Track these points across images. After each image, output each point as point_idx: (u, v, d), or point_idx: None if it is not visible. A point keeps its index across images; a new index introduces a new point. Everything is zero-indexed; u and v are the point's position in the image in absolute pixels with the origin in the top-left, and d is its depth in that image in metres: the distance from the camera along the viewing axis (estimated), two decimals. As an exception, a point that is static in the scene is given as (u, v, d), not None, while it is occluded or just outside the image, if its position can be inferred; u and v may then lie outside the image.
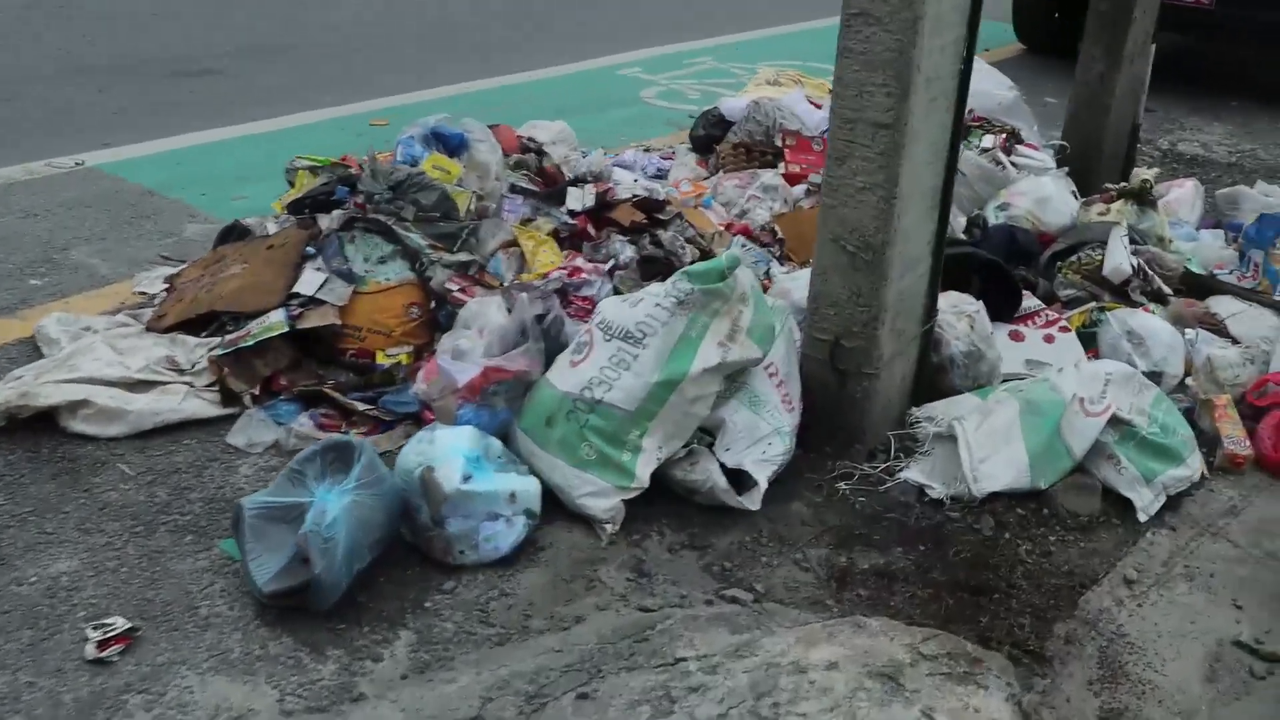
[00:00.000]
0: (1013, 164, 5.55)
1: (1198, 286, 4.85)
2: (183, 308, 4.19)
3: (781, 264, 4.85)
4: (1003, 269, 4.51)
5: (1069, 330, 4.56)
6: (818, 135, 5.66)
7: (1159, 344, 4.30)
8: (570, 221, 4.71)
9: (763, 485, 3.46)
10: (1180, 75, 8.58)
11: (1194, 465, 3.82)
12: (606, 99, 7.64)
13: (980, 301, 4.23)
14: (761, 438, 3.54)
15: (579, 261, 4.24)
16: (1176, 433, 3.84)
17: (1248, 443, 4.02)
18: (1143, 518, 3.68)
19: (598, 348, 3.45)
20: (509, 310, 3.81)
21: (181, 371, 3.91)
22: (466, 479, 3.17)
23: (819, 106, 5.94)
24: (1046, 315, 4.63)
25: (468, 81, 7.93)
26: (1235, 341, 4.56)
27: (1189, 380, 4.32)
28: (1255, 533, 3.68)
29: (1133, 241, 4.91)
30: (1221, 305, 4.73)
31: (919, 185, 3.65)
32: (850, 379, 3.74)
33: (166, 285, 4.50)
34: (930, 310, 3.97)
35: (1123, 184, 5.27)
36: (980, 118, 5.78)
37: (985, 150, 5.53)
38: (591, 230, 4.72)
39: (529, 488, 3.31)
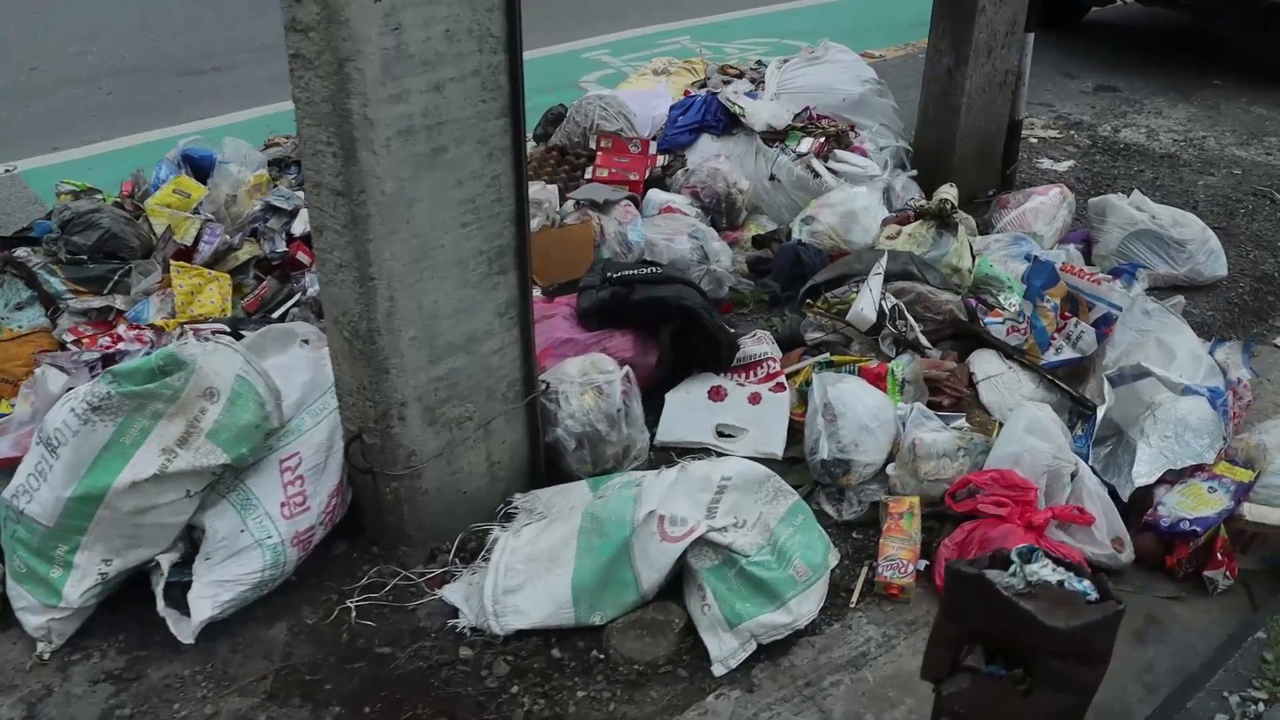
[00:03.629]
0: (831, 171, 4.08)
1: (969, 335, 3.34)
2: None
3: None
4: (696, 316, 3.19)
5: (784, 389, 3.22)
6: (637, 138, 4.36)
7: (851, 425, 2.90)
8: (280, 250, 3.69)
9: (202, 615, 2.41)
10: (1167, 52, 6.53)
11: (799, 610, 2.48)
12: (540, 85, 6.31)
13: (626, 367, 2.97)
14: (239, 551, 2.49)
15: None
16: (791, 563, 2.53)
17: (912, 567, 2.65)
18: (718, 670, 2.43)
19: (32, 449, 2.47)
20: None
21: None
22: None
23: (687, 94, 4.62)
24: (770, 367, 3.30)
25: None
26: (987, 412, 3.11)
27: (890, 470, 2.93)
28: (872, 698, 2.38)
29: (907, 277, 3.44)
30: (982, 363, 3.24)
31: (451, 253, 2.44)
32: (379, 479, 2.63)
33: None
34: (529, 383, 2.77)
35: (922, 203, 3.75)
36: (818, 116, 4.30)
37: (800, 155, 4.07)
38: (305, 257, 3.68)
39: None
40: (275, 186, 3.99)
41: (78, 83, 6.41)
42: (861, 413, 2.91)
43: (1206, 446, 2.91)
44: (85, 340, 3.16)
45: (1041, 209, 4.13)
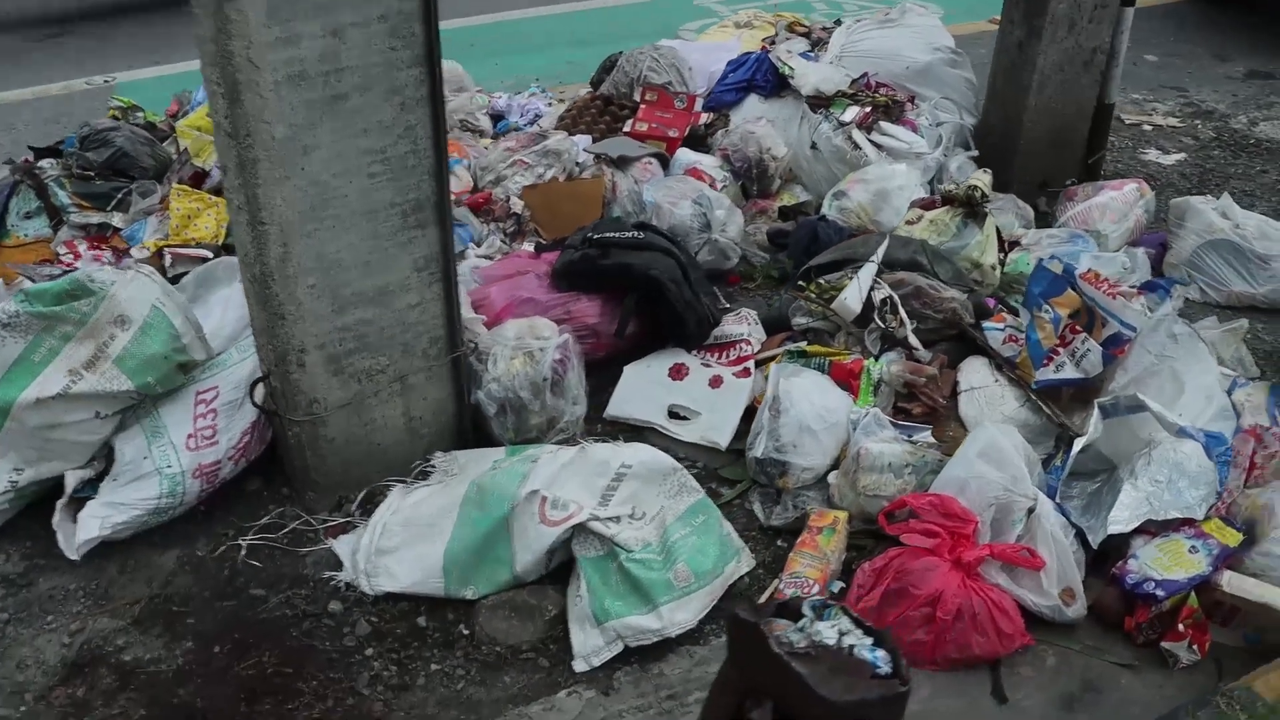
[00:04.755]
0: (874, 144, 3.74)
1: (967, 339, 3.00)
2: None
3: (511, 241, 3.57)
4: (662, 288, 3.00)
5: (749, 375, 3.01)
6: (684, 93, 4.14)
7: (793, 423, 2.67)
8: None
9: (88, 534, 2.45)
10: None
11: (671, 618, 2.31)
12: (638, 32, 6.03)
13: (566, 335, 2.82)
14: (140, 477, 2.53)
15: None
16: (673, 566, 2.36)
17: (818, 588, 2.43)
18: (578, 666, 2.32)
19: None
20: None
21: None
22: None
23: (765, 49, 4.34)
24: (743, 350, 3.08)
25: (525, 8, 6.55)
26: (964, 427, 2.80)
27: (830, 478, 2.69)
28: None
29: (914, 267, 3.12)
30: (969, 372, 2.92)
31: (357, 204, 2.36)
32: (284, 423, 2.60)
33: None
34: (454, 341, 2.68)
35: (951, 188, 3.38)
36: (876, 84, 3.94)
37: (842, 124, 3.75)
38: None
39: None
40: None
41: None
42: (806, 412, 2.68)
43: (1200, 499, 2.53)
44: (82, 254, 3.27)
45: (1111, 205, 3.67)
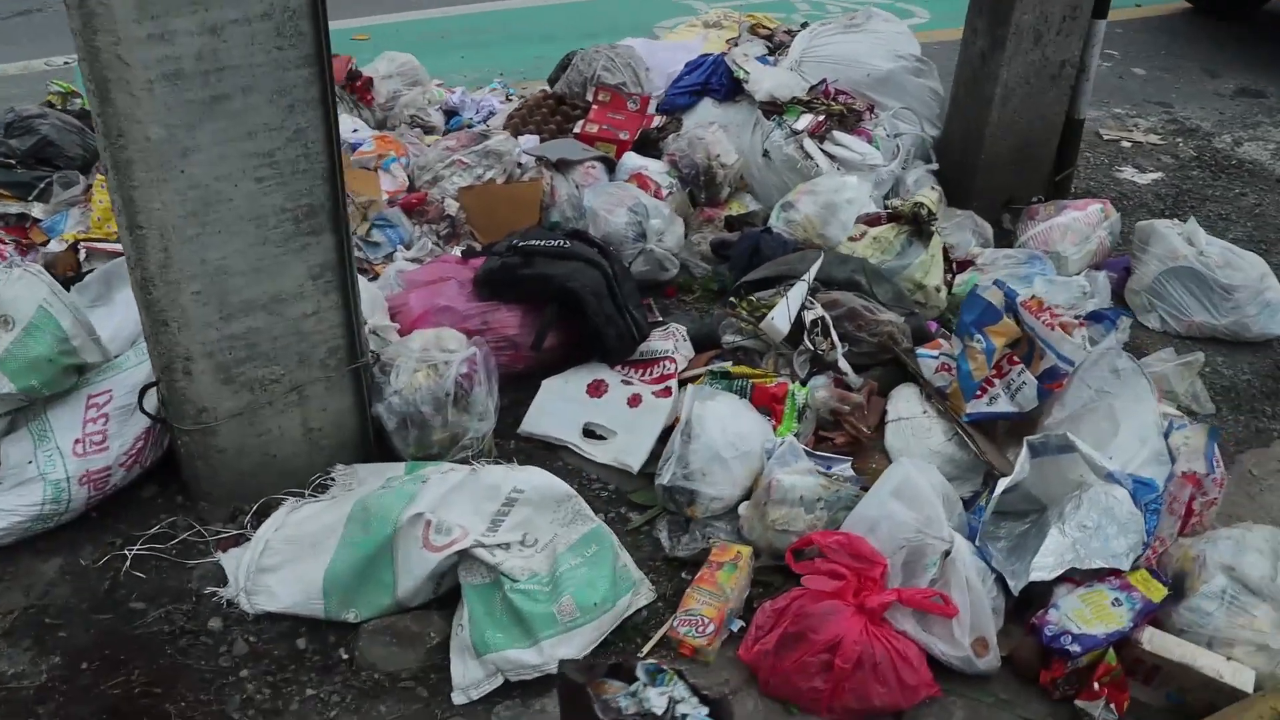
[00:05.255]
0: (827, 154, 3.60)
1: (901, 364, 2.88)
2: None
3: (445, 244, 3.46)
4: (581, 301, 2.88)
5: (669, 395, 2.89)
6: (636, 95, 4.02)
7: (703, 450, 2.55)
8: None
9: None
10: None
11: (553, 652, 2.19)
12: (611, 27, 5.90)
13: (474, 348, 2.70)
14: (24, 481, 2.43)
15: None
16: (559, 598, 2.25)
17: (714, 627, 2.32)
18: (457, 699, 2.22)
19: None
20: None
21: None
22: None
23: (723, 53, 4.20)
24: (666, 368, 2.97)
25: (490, 2, 6.40)
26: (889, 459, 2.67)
27: (740, 510, 2.57)
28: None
29: (852, 287, 3.00)
30: (899, 401, 2.79)
31: (244, 208, 2.26)
32: (174, 431, 2.51)
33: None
34: (353, 353, 2.57)
35: (897, 204, 3.24)
36: (835, 91, 3.80)
37: (794, 132, 3.61)
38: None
39: None
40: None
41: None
42: (717, 439, 2.56)
43: (1128, 549, 2.41)
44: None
45: (1073, 226, 3.53)
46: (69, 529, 2.53)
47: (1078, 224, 3.53)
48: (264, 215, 2.30)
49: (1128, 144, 4.55)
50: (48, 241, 3.23)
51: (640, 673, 1.52)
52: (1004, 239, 3.78)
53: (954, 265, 3.26)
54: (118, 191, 2.18)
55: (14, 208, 3.26)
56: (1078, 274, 3.53)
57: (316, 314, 2.48)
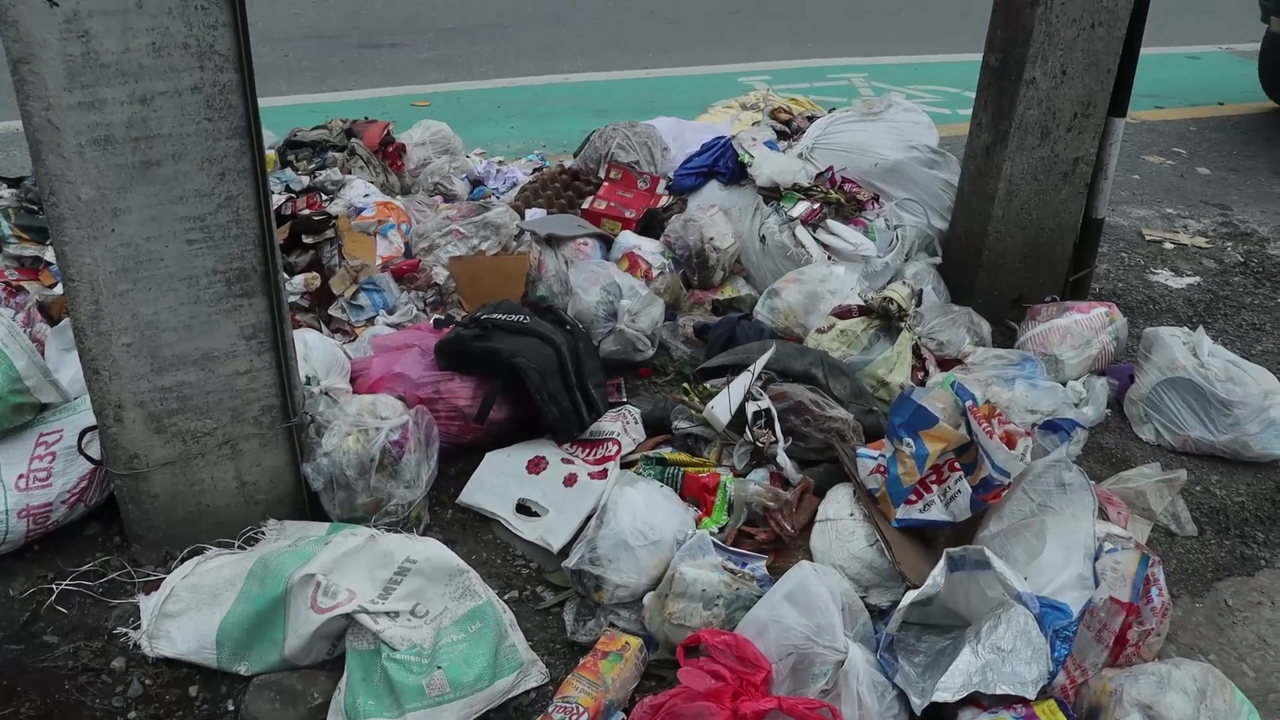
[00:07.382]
0: (820, 243, 3.56)
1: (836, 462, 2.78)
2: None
3: (431, 311, 3.55)
4: (526, 378, 2.90)
5: (605, 476, 2.88)
6: (648, 174, 4.07)
7: (611, 536, 2.50)
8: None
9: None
10: None
11: (417, 725, 2.21)
12: (674, 104, 5.99)
13: (407, 417, 2.75)
14: (-32, 512, 2.61)
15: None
16: (430, 672, 2.25)
17: (587, 716, 2.27)
18: (326, 766, 2.23)
19: None
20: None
21: None
22: None
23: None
24: (607, 449, 2.96)
25: (556, 74, 6.65)
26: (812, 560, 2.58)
27: (646, 600, 2.52)
28: None
29: (808, 380, 2.93)
30: (832, 503, 2.69)
31: (175, 268, 2.38)
32: (109, 474, 2.63)
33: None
34: (286, 412, 2.66)
35: (871, 296, 3.16)
36: (841, 179, 3.76)
37: (789, 220, 3.58)
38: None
39: None
40: (286, 169, 4.13)
41: (267, 41, 6.95)
42: (626, 526, 2.53)
43: (1038, 676, 2.25)
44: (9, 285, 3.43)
45: (1073, 329, 3.38)
46: (6, 560, 2.68)
47: (1079, 327, 3.37)
48: (195, 276, 2.43)
49: (1170, 245, 4.33)
50: (55, 284, 3.47)
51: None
52: (1009, 338, 3.64)
53: (925, 364, 3.15)
54: (54, 244, 2.34)
55: (30, 250, 3.52)
56: (1076, 379, 3.37)
57: (249, 372, 2.59)
